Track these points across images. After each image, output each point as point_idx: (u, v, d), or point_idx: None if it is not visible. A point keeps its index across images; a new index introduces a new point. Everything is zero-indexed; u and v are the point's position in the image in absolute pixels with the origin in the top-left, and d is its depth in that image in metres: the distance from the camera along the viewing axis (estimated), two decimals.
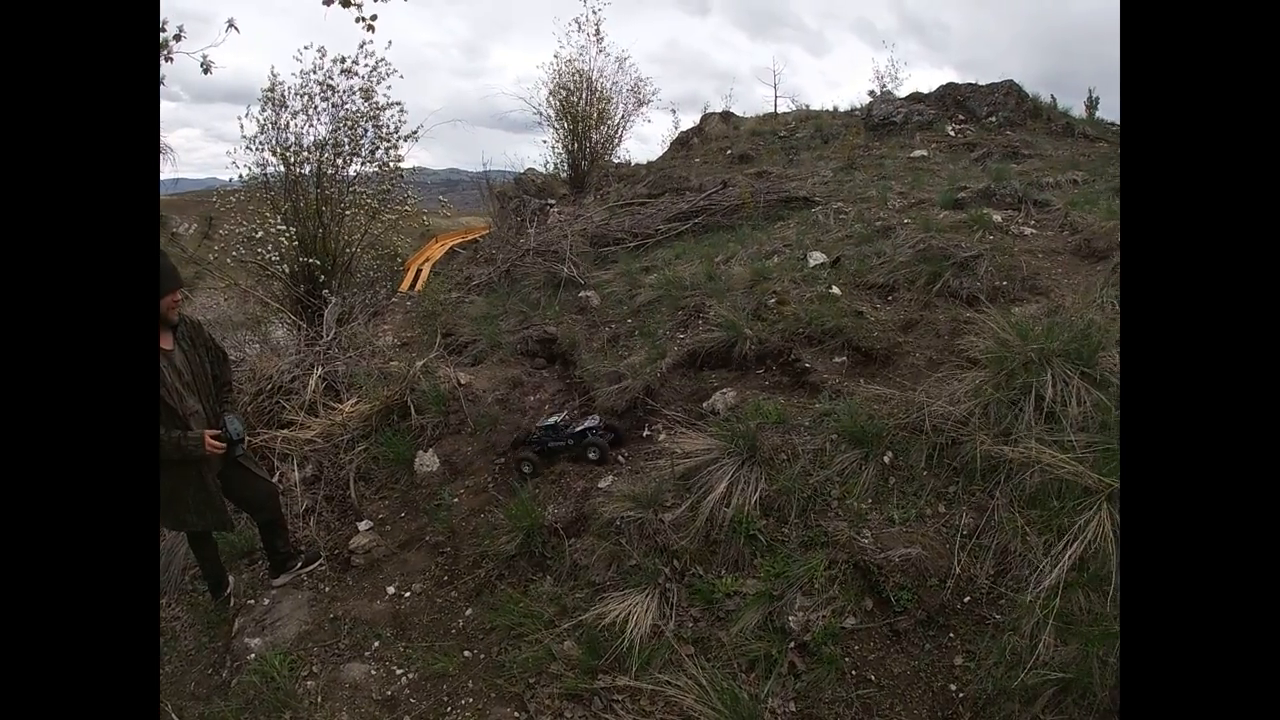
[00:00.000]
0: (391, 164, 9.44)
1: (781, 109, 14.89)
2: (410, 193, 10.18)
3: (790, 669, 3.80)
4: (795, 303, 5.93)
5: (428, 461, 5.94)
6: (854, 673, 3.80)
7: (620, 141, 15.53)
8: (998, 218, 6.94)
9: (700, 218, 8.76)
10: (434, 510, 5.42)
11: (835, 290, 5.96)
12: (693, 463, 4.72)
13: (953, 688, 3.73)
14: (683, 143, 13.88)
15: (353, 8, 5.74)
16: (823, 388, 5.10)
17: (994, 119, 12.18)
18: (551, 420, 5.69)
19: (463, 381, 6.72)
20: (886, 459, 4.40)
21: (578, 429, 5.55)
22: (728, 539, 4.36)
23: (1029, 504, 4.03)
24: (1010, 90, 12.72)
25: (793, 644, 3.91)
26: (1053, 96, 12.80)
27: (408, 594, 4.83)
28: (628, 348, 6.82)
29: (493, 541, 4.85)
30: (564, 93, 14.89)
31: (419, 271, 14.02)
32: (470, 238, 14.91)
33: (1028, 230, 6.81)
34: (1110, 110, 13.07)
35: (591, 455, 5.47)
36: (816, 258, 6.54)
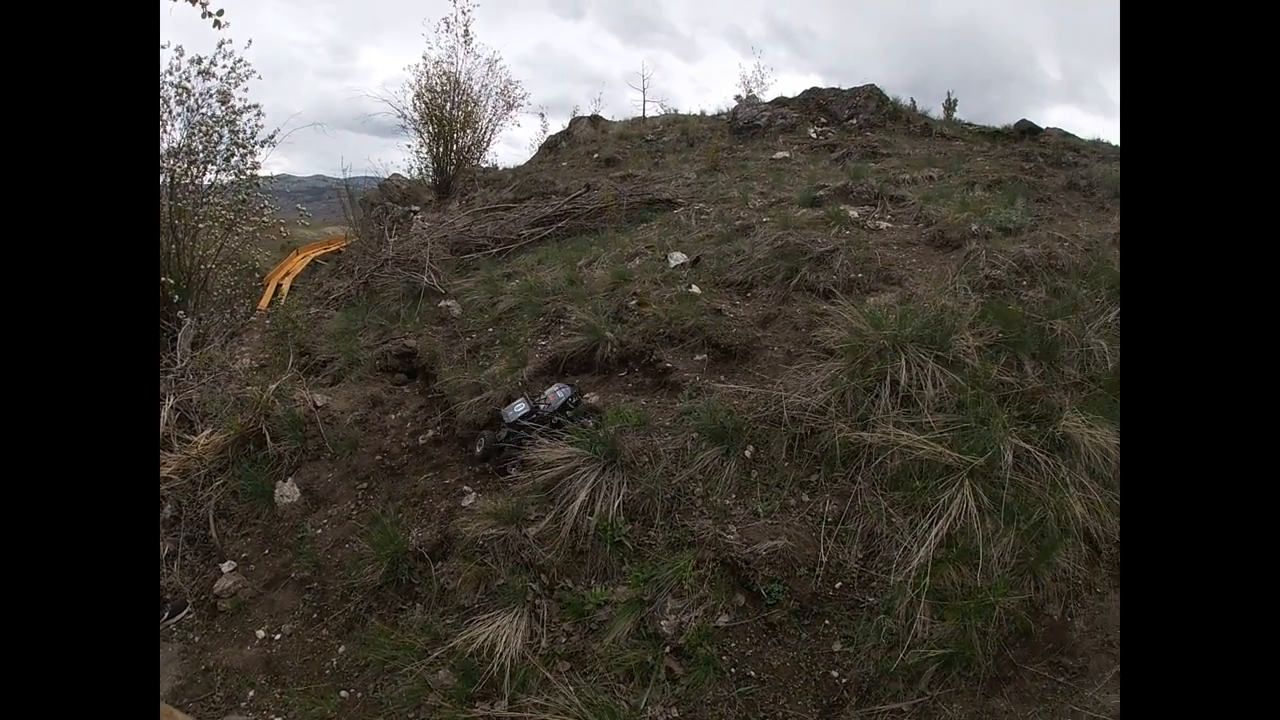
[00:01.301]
0: (248, 171, 8.93)
1: (651, 113, 15.16)
2: (268, 202, 9.67)
3: (668, 674, 3.73)
4: (656, 303, 5.93)
5: (288, 492, 5.61)
6: (733, 670, 3.76)
7: (488, 146, 15.31)
8: (854, 214, 7.24)
9: (564, 222, 8.69)
10: (297, 544, 5.13)
11: (695, 289, 6.01)
12: (554, 473, 4.60)
13: (834, 674, 3.74)
14: (551, 147, 13.81)
15: (198, 5, 5.39)
16: (684, 386, 5.09)
17: (855, 121, 12.81)
18: (520, 409, 5.25)
19: (319, 404, 6.36)
20: (748, 453, 4.42)
21: (555, 404, 5.17)
22: (594, 548, 4.27)
23: (891, 486, 4.14)
24: (871, 94, 13.43)
25: (668, 649, 3.83)
26: (912, 99, 13.65)
27: (278, 636, 4.59)
28: (489, 357, 6.62)
29: (358, 573, 4.64)
30: (429, 95, 14.52)
31: (279, 287, 13.32)
32: (333, 248, 14.24)
33: (883, 224, 7.14)
34: (967, 111, 14.10)
35: (589, 420, 5.11)
36: (677, 258, 6.59)
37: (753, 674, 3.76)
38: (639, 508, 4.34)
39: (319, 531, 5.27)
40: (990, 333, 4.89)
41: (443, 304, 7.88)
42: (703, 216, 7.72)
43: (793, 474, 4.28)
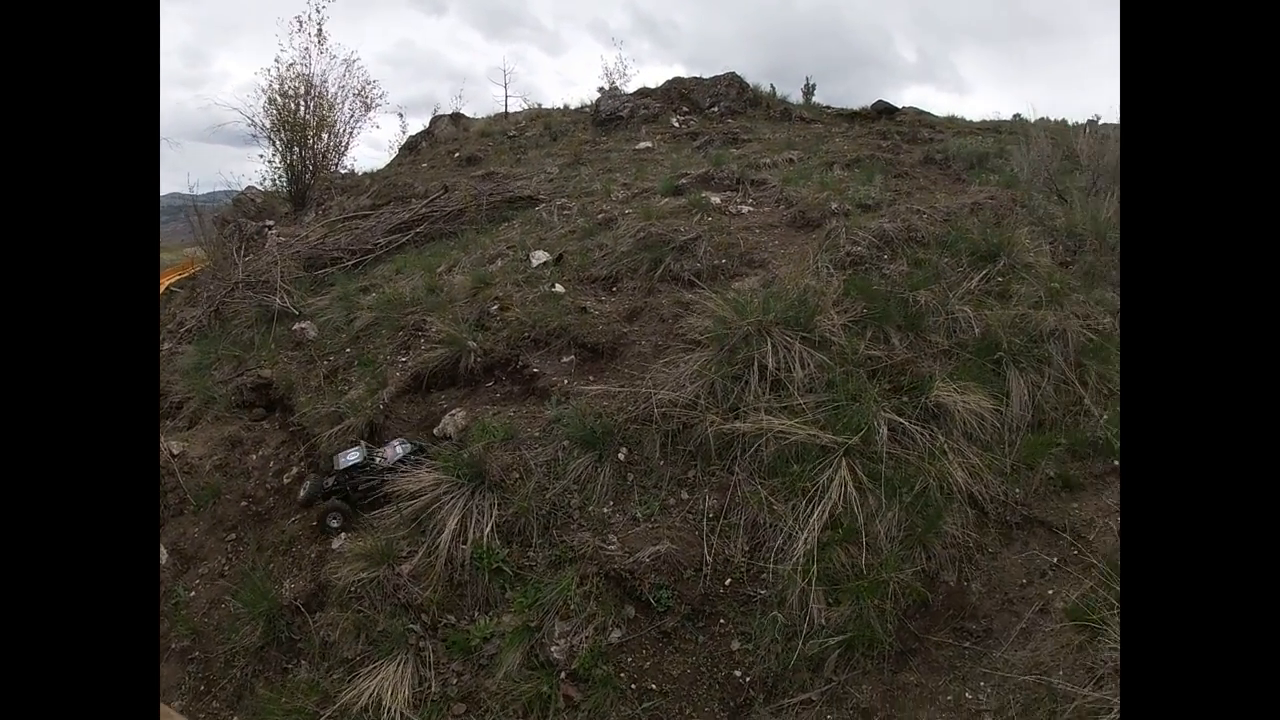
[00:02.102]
0: None
1: (515, 109, 14.71)
2: None
3: (566, 702, 3.56)
4: (519, 306, 5.63)
5: None
6: (633, 687, 3.62)
7: (347, 150, 14.37)
8: (716, 200, 7.15)
9: (422, 226, 8.22)
10: (172, 611, 4.67)
11: (559, 288, 5.75)
12: (421, 502, 4.25)
13: (737, 674, 3.63)
14: (411, 148, 13.16)
15: None
16: (552, 392, 4.83)
17: (716, 109, 12.85)
18: (352, 459, 4.81)
19: (175, 452, 5.78)
20: (621, 456, 4.20)
21: (392, 459, 4.75)
22: (473, 578, 4.02)
23: (769, 474, 4.02)
24: (732, 81, 13.51)
25: (563, 675, 3.63)
26: (772, 86, 13.80)
27: None
28: (348, 381, 6.12)
29: (237, 635, 4.25)
30: (281, 100, 13.48)
31: None
32: (189, 273, 13.02)
33: (745, 209, 7.09)
34: (827, 96, 14.40)
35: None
36: (540, 257, 6.30)
37: (654, 687, 3.62)
38: (515, 528, 4.07)
39: (192, 594, 4.84)
40: (855, 309, 4.88)
41: (297, 326, 7.26)
42: (565, 212, 7.46)
43: (669, 473, 4.10)
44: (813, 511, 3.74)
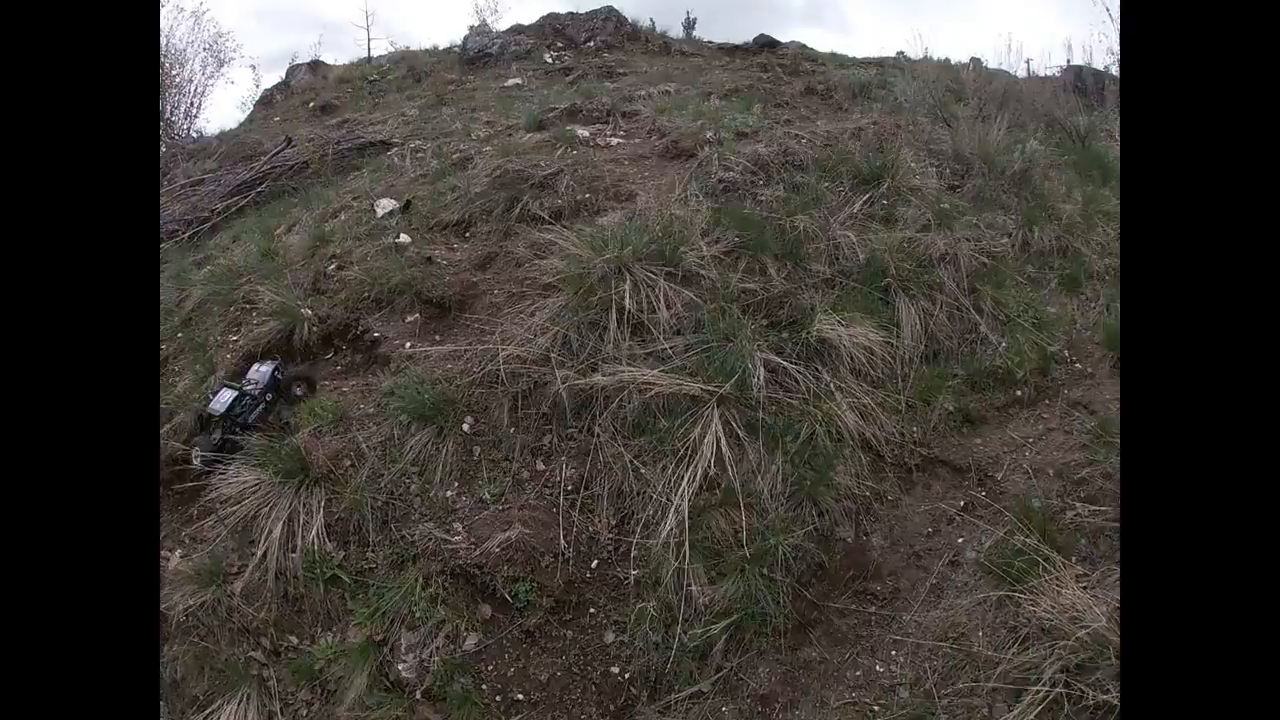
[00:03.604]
0: None
1: (381, 52, 13.31)
2: None
3: None
4: (358, 264, 4.79)
5: None
6: (498, 699, 3.06)
7: (199, 112, 12.73)
8: (584, 133, 6.39)
9: (263, 185, 7.16)
10: None
11: (404, 238, 4.93)
12: (247, 506, 3.49)
13: (615, 670, 3.10)
14: (266, 102, 11.73)
15: None
16: (393, 358, 4.08)
17: (592, 44, 11.90)
18: (225, 399, 4.09)
19: None
20: (466, 427, 3.53)
21: (263, 380, 4.15)
22: (308, 590, 3.33)
23: (634, 432, 3.42)
24: (610, 16, 12.55)
25: (417, 695, 3.00)
26: (652, 20, 12.90)
27: None
28: (177, 371, 5.19)
29: None
30: None
31: None
32: None
33: (615, 141, 6.35)
34: (710, 34, 13.55)
35: (299, 391, 4.17)
36: (385, 205, 5.43)
37: (521, 696, 3.08)
38: (349, 526, 3.41)
39: None
40: (726, 239, 4.27)
41: None
42: (419, 155, 6.55)
43: (520, 441, 3.47)
44: (684, 474, 3.18)
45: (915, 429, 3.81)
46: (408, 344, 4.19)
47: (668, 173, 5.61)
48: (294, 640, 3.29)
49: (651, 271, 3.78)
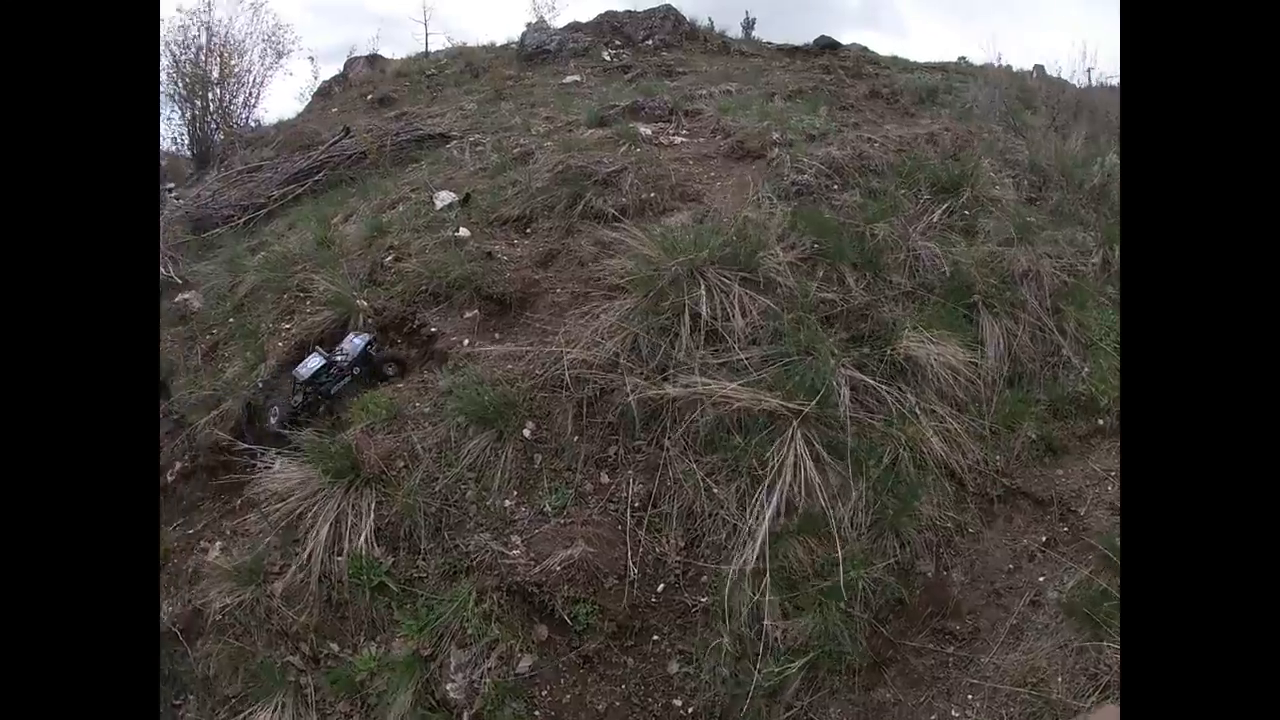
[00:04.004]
0: None
1: (439, 47, 13.23)
2: None
3: None
4: (416, 255, 4.61)
5: None
6: None
7: (258, 101, 12.80)
8: (647, 131, 6.14)
9: (321, 174, 7.05)
10: None
11: (464, 232, 4.73)
12: (293, 503, 3.32)
13: (678, 703, 2.84)
14: (324, 94, 11.70)
15: None
16: (450, 355, 3.87)
17: (651, 42, 11.66)
18: (314, 365, 4.08)
19: None
20: (527, 432, 3.30)
21: (354, 353, 4.09)
22: (353, 596, 3.11)
23: (706, 448, 3.16)
24: (668, 14, 12.31)
25: (465, 718, 2.81)
26: (710, 20, 12.62)
27: None
28: (227, 357, 5.06)
29: None
30: (179, 51, 11.86)
31: None
32: None
33: (678, 139, 6.10)
34: (766, 34, 13.23)
35: (390, 371, 4.10)
36: (444, 198, 5.25)
37: None
38: (400, 532, 3.19)
39: None
40: (803, 245, 3.99)
41: (180, 298, 6.11)
42: (478, 148, 6.37)
43: (585, 451, 3.23)
44: (762, 496, 2.91)
45: (998, 457, 3.50)
46: (466, 341, 3.98)
47: (735, 173, 5.34)
48: (335, 648, 3.10)
49: (726, 276, 3.52)
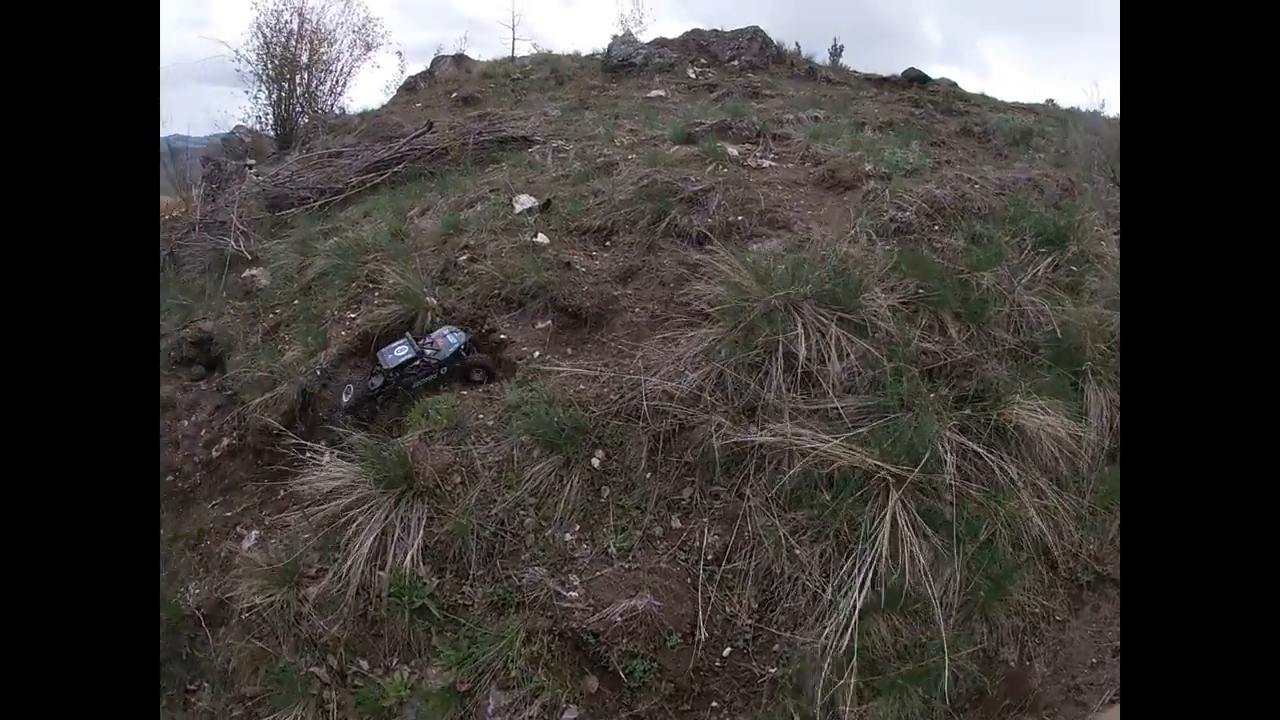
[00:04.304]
0: None
1: (523, 53, 13.23)
2: None
3: None
4: (491, 258, 4.41)
5: None
6: None
7: (344, 90, 12.96)
8: (734, 151, 5.88)
9: (400, 166, 6.96)
10: None
11: (542, 238, 4.52)
12: (337, 505, 3.11)
13: None
14: (409, 89, 11.76)
15: None
16: (519, 366, 3.64)
17: (736, 63, 11.43)
18: (400, 354, 3.90)
19: None
20: (596, 461, 3.04)
21: (446, 351, 3.87)
22: (391, 615, 2.87)
23: (792, 503, 2.84)
24: (755, 36, 12.07)
25: None
26: (797, 44, 12.34)
27: None
28: (288, 339, 4.94)
29: None
30: (270, 33, 12.07)
31: None
32: (172, 214, 11.81)
33: (766, 163, 5.82)
34: (858, 60, 12.89)
35: (477, 377, 3.87)
36: (524, 202, 5.06)
37: None
38: (449, 553, 2.95)
39: None
40: (904, 287, 3.66)
41: (248, 273, 6.06)
42: (561, 155, 6.18)
43: (658, 490, 2.95)
44: (852, 565, 2.58)
45: (1092, 540, 3.12)
46: (536, 352, 3.76)
47: (827, 203, 5.04)
48: (365, 666, 2.87)
49: (823, 315, 3.21)
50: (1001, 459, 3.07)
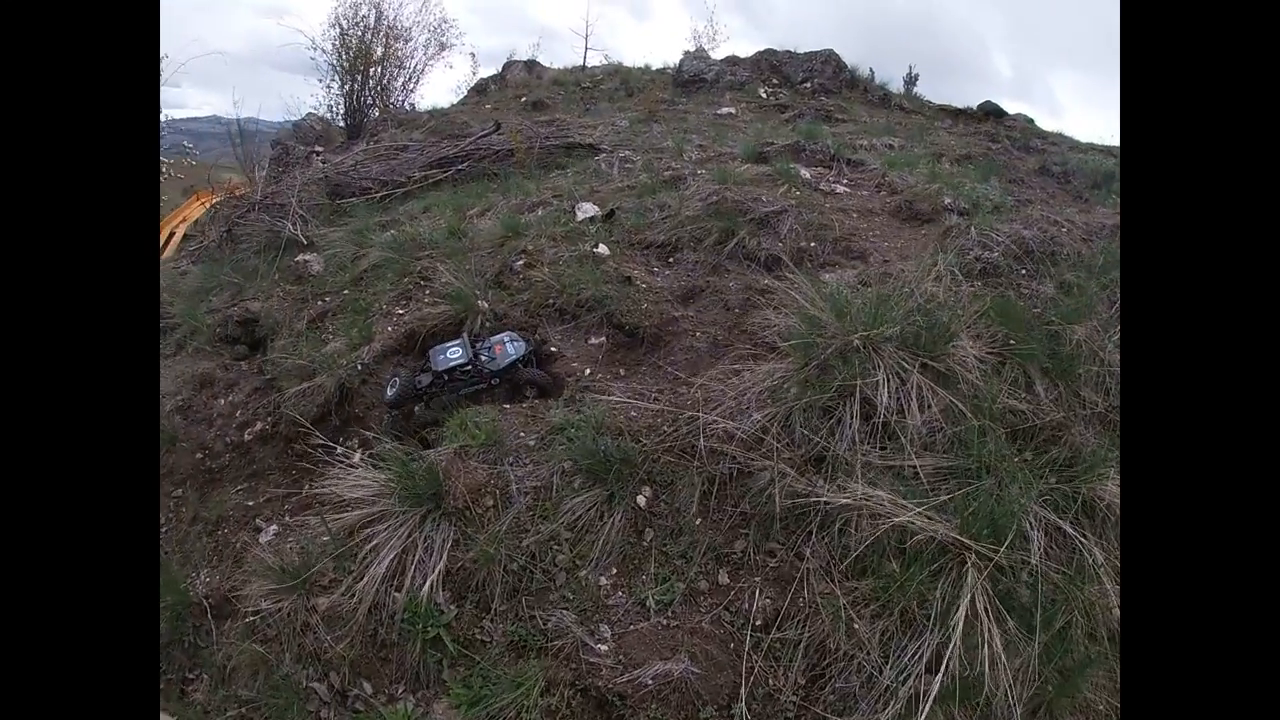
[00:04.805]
0: None
1: (594, 63, 13.12)
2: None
3: None
4: (548, 265, 4.15)
5: None
6: None
7: (416, 87, 13.04)
8: (807, 174, 5.55)
9: (464, 165, 6.80)
10: None
11: (603, 249, 4.24)
12: (358, 515, 2.88)
13: None
14: (480, 90, 11.72)
15: None
16: (567, 383, 3.36)
17: (809, 85, 11.07)
18: (455, 358, 3.68)
19: None
20: (642, 500, 2.72)
21: (503, 361, 3.63)
22: (402, 640, 2.63)
23: (855, 570, 2.49)
24: (829, 59, 11.69)
25: None
26: (871, 70, 11.94)
27: None
28: (333, 329, 4.77)
29: None
30: (347, 26, 12.21)
31: (171, 234, 11.25)
32: (238, 193, 12.10)
33: (840, 188, 5.46)
34: (929, 90, 12.42)
35: (529, 395, 3.61)
36: (587, 210, 4.80)
37: None
38: (471, 582, 2.67)
39: None
40: (992, 336, 3.27)
41: (302, 258, 5.95)
42: (627, 165, 5.93)
43: (707, 539, 2.62)
44: (917, 648, 2.22)
45: None
46: (588, 370, 3.48)
47: (904, 235, 4.66)
48: (367, 689, 2.64)
49: (905, 361, 2.85)
50: (1086, 537, 2.67)
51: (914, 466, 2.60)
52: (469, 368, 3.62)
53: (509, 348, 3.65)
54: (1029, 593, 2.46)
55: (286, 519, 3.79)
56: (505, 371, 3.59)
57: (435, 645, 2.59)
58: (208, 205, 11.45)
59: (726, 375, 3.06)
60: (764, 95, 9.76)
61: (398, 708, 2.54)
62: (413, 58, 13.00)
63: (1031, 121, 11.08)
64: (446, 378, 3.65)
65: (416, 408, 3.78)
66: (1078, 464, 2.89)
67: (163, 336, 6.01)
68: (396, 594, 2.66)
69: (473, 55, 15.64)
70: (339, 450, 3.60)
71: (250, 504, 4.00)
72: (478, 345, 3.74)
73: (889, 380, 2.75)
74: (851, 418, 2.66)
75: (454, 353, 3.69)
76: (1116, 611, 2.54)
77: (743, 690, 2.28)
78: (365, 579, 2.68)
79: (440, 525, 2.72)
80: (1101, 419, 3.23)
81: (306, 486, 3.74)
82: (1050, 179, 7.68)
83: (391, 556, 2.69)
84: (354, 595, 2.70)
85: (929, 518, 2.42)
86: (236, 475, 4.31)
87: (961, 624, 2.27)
